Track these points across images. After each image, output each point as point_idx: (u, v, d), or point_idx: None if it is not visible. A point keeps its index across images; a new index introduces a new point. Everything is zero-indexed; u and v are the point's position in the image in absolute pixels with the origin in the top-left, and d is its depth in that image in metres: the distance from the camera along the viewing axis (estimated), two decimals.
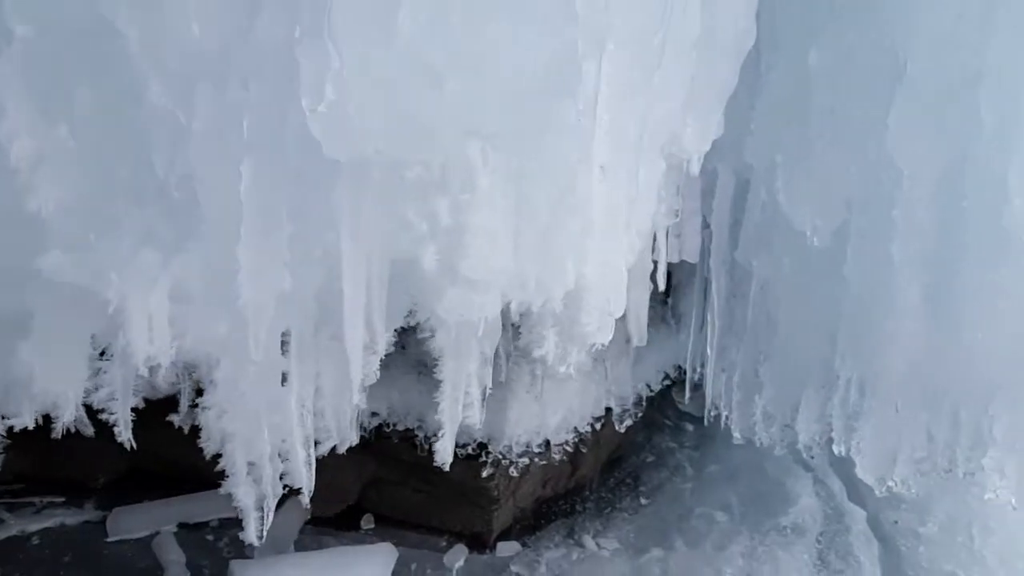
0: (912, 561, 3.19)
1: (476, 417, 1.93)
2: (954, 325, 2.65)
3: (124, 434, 1.61)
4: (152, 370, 1.40)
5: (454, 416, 1.88)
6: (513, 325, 2.07)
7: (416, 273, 1.57)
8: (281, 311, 1.43)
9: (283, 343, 1.63)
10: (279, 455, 1.65)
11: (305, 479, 1.70)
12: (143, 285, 1.32)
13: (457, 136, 1.41)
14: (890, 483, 2.84)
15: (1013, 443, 2.70)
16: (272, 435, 1.60)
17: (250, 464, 1.60)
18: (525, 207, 1.65)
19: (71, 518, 3.13)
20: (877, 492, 2.90)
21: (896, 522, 3.40)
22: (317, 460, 2.93)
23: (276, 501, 1.65)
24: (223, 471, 1.62)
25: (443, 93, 1.37)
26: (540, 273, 1.72)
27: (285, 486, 1.69)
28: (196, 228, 1.32)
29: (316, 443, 1.84)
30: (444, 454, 1.93)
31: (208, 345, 1.46)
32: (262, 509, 1.62)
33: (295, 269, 1.39)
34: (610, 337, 1.87)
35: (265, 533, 1.66)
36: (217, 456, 1.61)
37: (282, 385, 1.62)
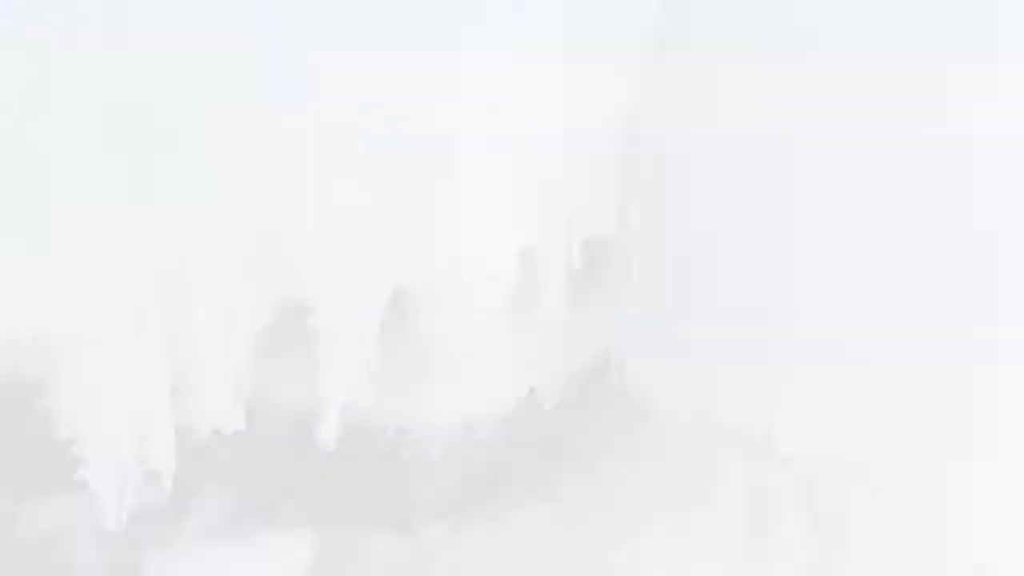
0: (839, 528, 3.21)
1: (365, 396, 1.90)
2: (864, 294, 2.67)
3: None
4: None
5: (339, 396, 1.85)
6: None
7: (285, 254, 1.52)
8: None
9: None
10: (140, 438, 1.60)
11: (169, 462, 1.65)
12: None
13: None
14: (810, 451, 2.86)
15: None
16: (132, 418, 1.55)
17: (108, 448, 1.55)
18: (396, 185, 1.61)
19: None
20: (798, 460, 2.91)
21: (825, 490, 3.42)
22: (241, 446, 2.89)
23: (135, 485, 1.60)
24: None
25: None
26: (416, 251, 1.68)
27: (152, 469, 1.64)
28: None
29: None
30: (329, 434, 1.90)
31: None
32: (121, 494, 1.57)
33: None
34: (493, 312, 1.84)
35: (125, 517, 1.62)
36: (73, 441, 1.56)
37: (146, 366, 1.57)
